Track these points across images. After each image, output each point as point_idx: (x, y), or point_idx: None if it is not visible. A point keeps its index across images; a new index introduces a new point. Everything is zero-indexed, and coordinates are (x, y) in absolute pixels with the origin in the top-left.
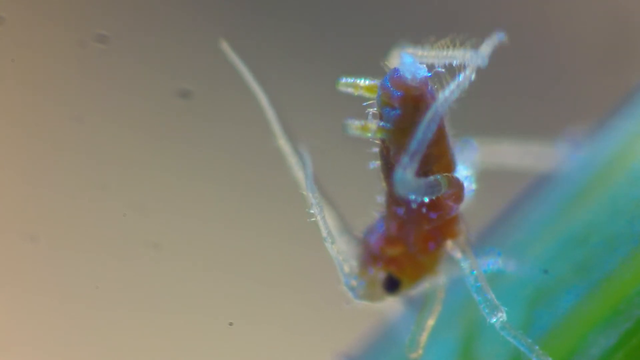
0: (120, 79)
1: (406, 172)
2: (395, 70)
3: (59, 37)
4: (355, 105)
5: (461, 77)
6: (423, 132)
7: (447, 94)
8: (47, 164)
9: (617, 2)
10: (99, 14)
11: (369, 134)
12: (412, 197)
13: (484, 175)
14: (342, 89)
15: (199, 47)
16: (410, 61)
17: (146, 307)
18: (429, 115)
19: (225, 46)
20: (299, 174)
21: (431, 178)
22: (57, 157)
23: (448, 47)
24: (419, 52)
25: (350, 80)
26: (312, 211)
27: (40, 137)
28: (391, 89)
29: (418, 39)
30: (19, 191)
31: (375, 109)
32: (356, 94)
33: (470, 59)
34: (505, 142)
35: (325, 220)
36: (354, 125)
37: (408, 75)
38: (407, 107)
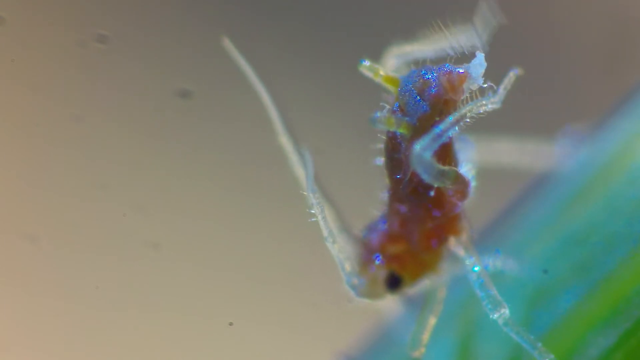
0: (120, 79)
1: (424, 150)
2: (453, 67)
3: (59, 37)
4: (355, 105)
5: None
6: (449, 124)
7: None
8: (47, 164)
9: (617, 2)
10: (99, 14)
11: (392, 128)
12: (422, 174)
13: (483, 175)
14: (363, 71)
15: (199, 47)
16: (484, 66)
17: (146, 307)
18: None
19: (227, 44)
20: (300, 173)
21: (445, 167)
22: (57, 157)
23: (434, 38)
24: (409, 47)
25: (374, 65)
26: (312, 211)
27: (40, 137)
28: (435, 82)
29: (417, 38)
30: (19, 191)
31: (394, 103)
32: (376, 80)
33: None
34: (504, 141)
35: (326, 219)
36: (381, 118)
37: (473, 77)
38: (436, 106)
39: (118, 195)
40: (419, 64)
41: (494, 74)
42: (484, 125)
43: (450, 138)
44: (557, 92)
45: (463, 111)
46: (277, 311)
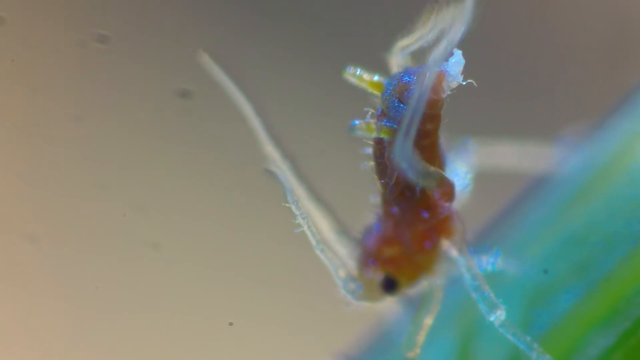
0: (120, 79)
1: (405, 147)
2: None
3: (59, 37)
4: (354, 105)
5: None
6: (413, 112)
7: (437, 55)
8: (47, 164)
9: (617, 2)
10: (99, 14)
11: (373, 134)
12: (406, 171)
13: (483, 176)
14: (348, 78)
15: (199, 47)
16: (462, 63)
17: (146, 307)
18: (420, 86)
19: (205, 58)
20: (291, 179)
21: (429, 167)
22: (57, 157)
23: (429, 22)
24: (412, 39)
25: (357, 71)
26: (298, 221)
27: (40, 137)
28: (413, 84)
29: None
30: (19, 191)
31: (378, 108)
32: (360, 85)
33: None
34: (504, 143)
35: (313, 229)
36: (359, 125)
37: (451, 75)
38: None
39: (118, 195)
40: (416, 59)
41: (494, 73)
42: (485, 126)
43: (437, 140)
44: (557, 93)
45: (417, 95)
46: (277, 311)
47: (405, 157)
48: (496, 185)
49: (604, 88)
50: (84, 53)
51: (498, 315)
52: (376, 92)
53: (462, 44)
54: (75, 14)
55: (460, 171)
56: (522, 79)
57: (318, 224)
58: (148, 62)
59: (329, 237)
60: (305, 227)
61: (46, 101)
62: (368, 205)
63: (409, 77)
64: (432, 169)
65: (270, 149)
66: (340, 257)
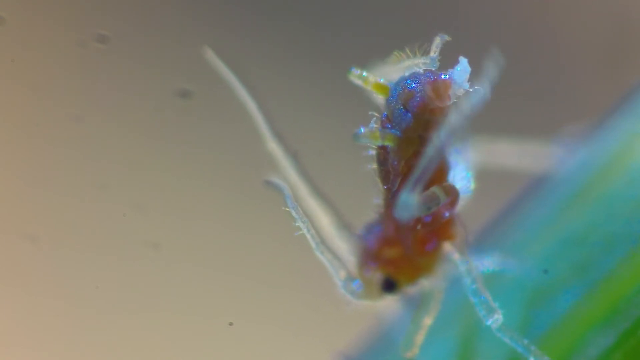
0: (120, 79)
1: (409, 199)
2: (437, 73)
3: (59, 37)
4: (354, 105)
5: (465, 107)
6: (429, 160)
7: (453, 123)
8: (47, 164)
9: (617, 2)
10: (99, 14)
11: (378, 141)
12: (413, 217)
13: (483, 176)
14: (352, 79)
15: (199, 47)
16: (468, 71)
17: (146, 307)
18: (435, 142)
19: (210, 54)
20: (292, 178)
21: (429, 193)
22: (57, 157)
23: (410, 57)
24: (388, 68)
25: (363, 73)
26: (298, 224)
27: (40, 137)
28: (419, 91)
29: (417, 38)
30: (19, 191)
31: (382, 112)
32: (365, 87)
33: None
34: (504, 142)
35: (312, 232)
36: (364, 133)
37: (457, 83)
38: (422, 115)
39: (118, 195)
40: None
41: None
42: (484, 126)
43: (442, 144)
44: (556, 93)
45: (441, 134)
46: (277, 311)
47: (408, 210)
48: (496, 185)
49: (604, 88)
50: (84, 53)
51: (495, 320)
52: (381, 95)
53: (462, 45)
54: (75, 14)
55: (461, 172)
56: (522, 79)
57: (319, 220)
58: (148, 62)
59: (330, 233)
60: (305, 231)
61: (46, 101)
62: (367, 205)
63: (415, 84)
64: (433, 194)
65: (273, 146)
66: (340, 256)
